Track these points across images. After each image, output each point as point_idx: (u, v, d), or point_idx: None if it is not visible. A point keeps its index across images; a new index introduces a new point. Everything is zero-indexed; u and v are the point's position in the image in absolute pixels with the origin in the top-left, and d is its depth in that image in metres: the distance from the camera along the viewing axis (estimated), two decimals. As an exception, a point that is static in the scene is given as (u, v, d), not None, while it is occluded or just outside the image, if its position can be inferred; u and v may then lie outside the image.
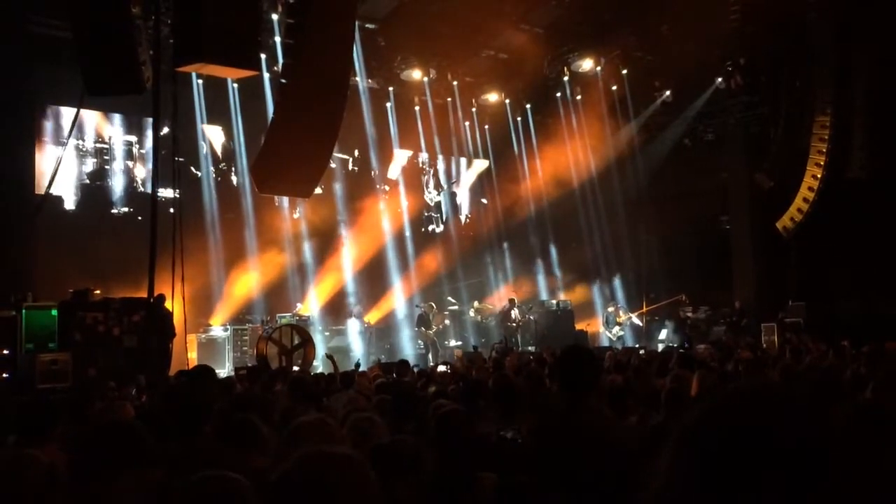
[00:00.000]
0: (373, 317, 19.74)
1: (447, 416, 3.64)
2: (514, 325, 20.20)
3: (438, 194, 23.28)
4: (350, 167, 21.49)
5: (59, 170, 15.14)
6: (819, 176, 18.41)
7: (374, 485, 1.96)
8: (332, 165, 19.43)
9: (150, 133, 18.18)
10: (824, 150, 18.30)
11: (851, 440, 1.18)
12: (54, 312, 12.70)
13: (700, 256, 21.13)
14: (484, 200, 23.84)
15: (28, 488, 2.42)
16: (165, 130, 14.08)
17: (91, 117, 17.74)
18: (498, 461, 3.13)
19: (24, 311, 12.46)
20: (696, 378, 6.27)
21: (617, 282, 22.84)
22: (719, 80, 21.04)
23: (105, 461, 2.61)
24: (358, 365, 13.65)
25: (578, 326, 20.85)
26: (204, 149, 18.70)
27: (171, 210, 14.21)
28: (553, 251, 23.15)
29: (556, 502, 1.93)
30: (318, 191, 17.04)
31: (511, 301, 20.73)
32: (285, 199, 19.48)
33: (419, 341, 19.23)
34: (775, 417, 1.14)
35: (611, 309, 21.48)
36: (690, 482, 1.13)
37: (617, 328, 20.99)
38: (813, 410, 1.16)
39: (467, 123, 22.69)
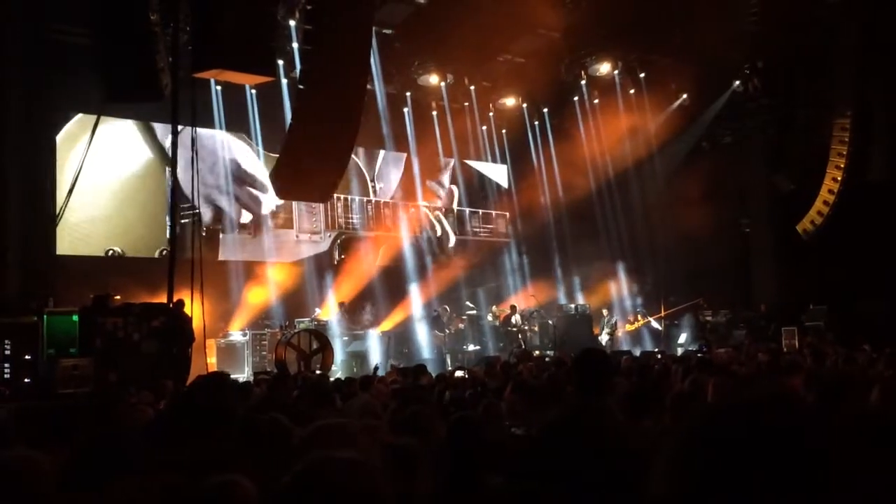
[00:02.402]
0: (391, 321, 19.70)
1: (460, 421, 3.67)
2: (515, 330, 20.18)
3: (453, 215, 23.05)
4: (366, 174, 21.51)
5: (79, 177, 15.25)
6: (839, 178, 18.31)
7: (385, 489, 1.96)
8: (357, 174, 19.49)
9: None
10: (844, 153, 18.19)
11: (853, 445, 1.18)
12: (75, 318, 12.77)
13: (719, 260, 20.99)
14: (506, 214, 23.74)
15: (29, 491, 2.44)
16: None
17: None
18: (509, 459, 3.14)
19: (45, 316, 12.54)
20: (713, 382, 6.22)
21: (635, 285, 22.75)
22: (737, 83, 20.95)
23: (103, 466, 2.63)
24: (376, 368, 13.65)
25: (597, 330, 20.80)
26: (221, 150, 18.73)
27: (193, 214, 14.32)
28: (571, 254, 23.04)
29: (560, 502, 1.93)
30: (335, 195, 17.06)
31: (512, 308, 20.64)
32: (303, 204, 19.56)
33: (435, 344, 19.25)
34: (778, 421, 1.14)
35: (605, 312, 21.37)
36: (688, 483, 1.14)
37: (605, 332, 20.82)
38: (817, 415, 1.16)
39: (484, 128, 22.68)
